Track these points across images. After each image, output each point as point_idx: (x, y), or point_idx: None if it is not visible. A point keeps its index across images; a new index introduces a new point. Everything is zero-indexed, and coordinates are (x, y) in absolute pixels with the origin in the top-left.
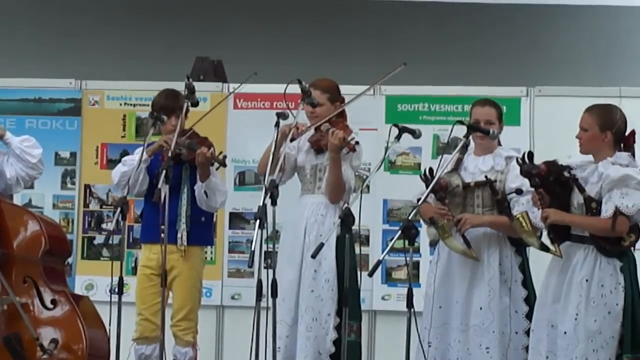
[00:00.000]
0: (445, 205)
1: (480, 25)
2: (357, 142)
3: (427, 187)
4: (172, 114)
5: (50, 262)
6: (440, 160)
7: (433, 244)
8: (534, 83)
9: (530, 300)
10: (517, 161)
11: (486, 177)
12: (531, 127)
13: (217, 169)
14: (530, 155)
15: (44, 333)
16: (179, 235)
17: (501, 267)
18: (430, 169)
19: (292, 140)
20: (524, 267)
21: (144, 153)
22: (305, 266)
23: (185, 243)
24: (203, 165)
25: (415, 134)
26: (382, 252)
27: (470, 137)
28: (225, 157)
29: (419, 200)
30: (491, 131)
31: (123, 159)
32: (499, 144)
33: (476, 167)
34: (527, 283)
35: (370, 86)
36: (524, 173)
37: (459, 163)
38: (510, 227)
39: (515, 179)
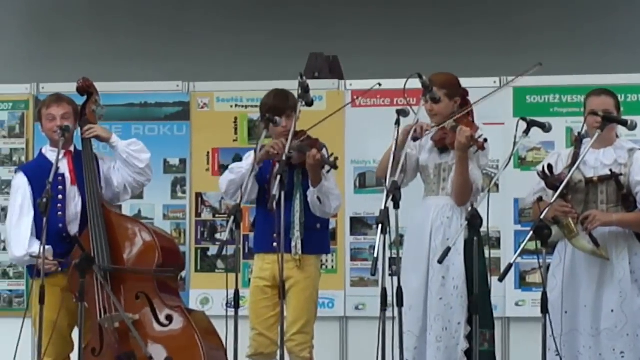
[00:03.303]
0: (568, 202)
1: (614, 6)
2: (485, 140)
3: (546, 184)
4: (282, 115)
5: (164, 277)
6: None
7: (552, 245)
8: None
9: None
10: None
11: (611, 170)
12: None
13: (327, 171)
14: None
15: (159, 350)
16: (292, 243)
17: (631, 266)
18: (550, 165)
19: (415, 139)
20: None
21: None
22: (432, 273)
23: (299, 252)
24: (314, 169)
25: (545, 128)
26: (514, 255)
27: (587, 129)
28: (336, 158)
29: (540, 199)
30: (629, 121)
31: (230, 167)
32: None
33: (597, 160)
34: None
35: (501, 87)
36: None
37: (575, 157)
38: None
39: None
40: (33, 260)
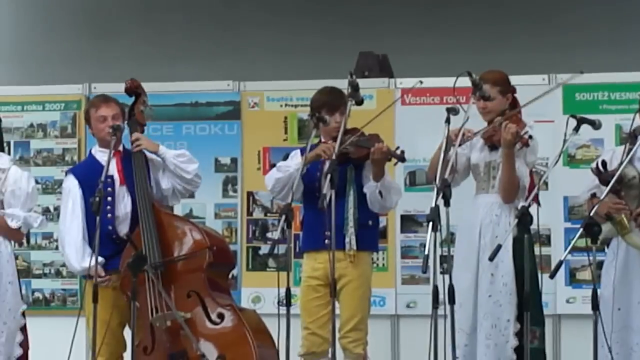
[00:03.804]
0: (621, 199)
1: None
2: (530, 137)
3: (599, 180)
4: (335, 111)
5: (214, 275)
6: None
7: (606, 242)
8: None
9: None
10: None
11: None
12: None
13: (395, 164)
14: None
15: (211, 349)
16: (347, 240)
17: None
18: (604, 162)
19: (459, 145)
20: None
21: (300, 161)
22: (481, 270)
23: (354, 248)
24: (379, 163)
25: (595, 125)
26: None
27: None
28: (403, 151)
29: (593, 195)
30: None
31: (278, 165)
32: None
33: None
34: None
35: (544, 93)
36: None
37: (629, 154)
38: None
39: None
40: (87, 272)
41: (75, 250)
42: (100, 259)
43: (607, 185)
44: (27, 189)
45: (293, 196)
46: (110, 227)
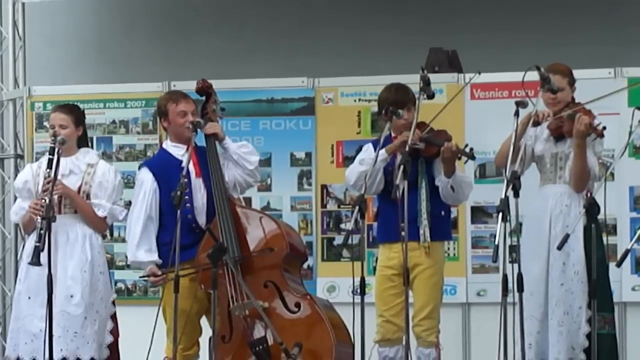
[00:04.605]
0: None
1: None
2: (604, 127)
3: None
4: (403, 108)
5: (289, 266)
6: None
7: None
8: None
9: None
10: None
11: None
12: None
13: (465, 162)
14: None
15: (289, 337)
16: (421, 231)
17: None
18: None
19: (535, 125)
20: None
21: (383, 152)
22: (552, 259)
23: (428, 240)
24: (449, 161)
25: None
26: (630, 241)
27: None
28: (472, 149)
29: None
30: None
31: (360, 159)
32: None
33: None
34: None
35: (615, 91)
36: None
37: None
38: None
39: None
40: (138, 264)
41: (133, 241)
42: (157, 258)
43: None
44: (114, 181)
45: (374, 189)
46: (189, 217)
